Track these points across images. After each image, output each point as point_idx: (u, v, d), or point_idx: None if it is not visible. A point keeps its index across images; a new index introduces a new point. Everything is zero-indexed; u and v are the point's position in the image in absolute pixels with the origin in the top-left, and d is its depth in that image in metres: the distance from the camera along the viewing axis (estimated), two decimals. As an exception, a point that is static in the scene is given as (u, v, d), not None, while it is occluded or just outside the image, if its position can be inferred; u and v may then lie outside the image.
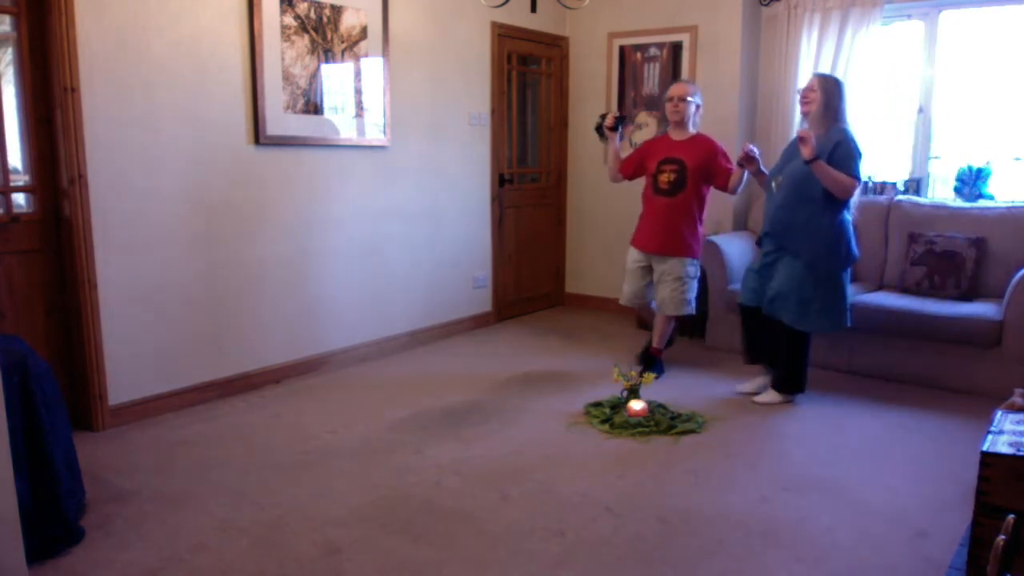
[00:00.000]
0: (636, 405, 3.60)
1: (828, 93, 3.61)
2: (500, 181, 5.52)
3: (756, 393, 3.94)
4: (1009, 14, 4.67)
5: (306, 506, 2.74)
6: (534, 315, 5.90)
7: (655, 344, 4.33)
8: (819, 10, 4.94)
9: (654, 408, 3.67)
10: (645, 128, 5.56)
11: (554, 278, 6.18)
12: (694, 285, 4.21)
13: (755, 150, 3.81)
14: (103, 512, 2.67)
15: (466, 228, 5.30)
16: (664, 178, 4.08)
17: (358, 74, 4.41)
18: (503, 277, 5.66)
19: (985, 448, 2.20)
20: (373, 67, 4.49)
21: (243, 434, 3.43)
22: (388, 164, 4.67)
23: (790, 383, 3.84)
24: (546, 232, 6.04)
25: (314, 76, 4.16)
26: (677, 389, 4.04)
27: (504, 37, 5.40)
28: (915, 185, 4.92)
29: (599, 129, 4.34)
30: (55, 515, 2.40)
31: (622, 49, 5.68)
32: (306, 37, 4.10)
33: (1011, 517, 1.69)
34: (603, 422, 3.55)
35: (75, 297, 3.36)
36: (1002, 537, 1.62)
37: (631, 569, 2.36)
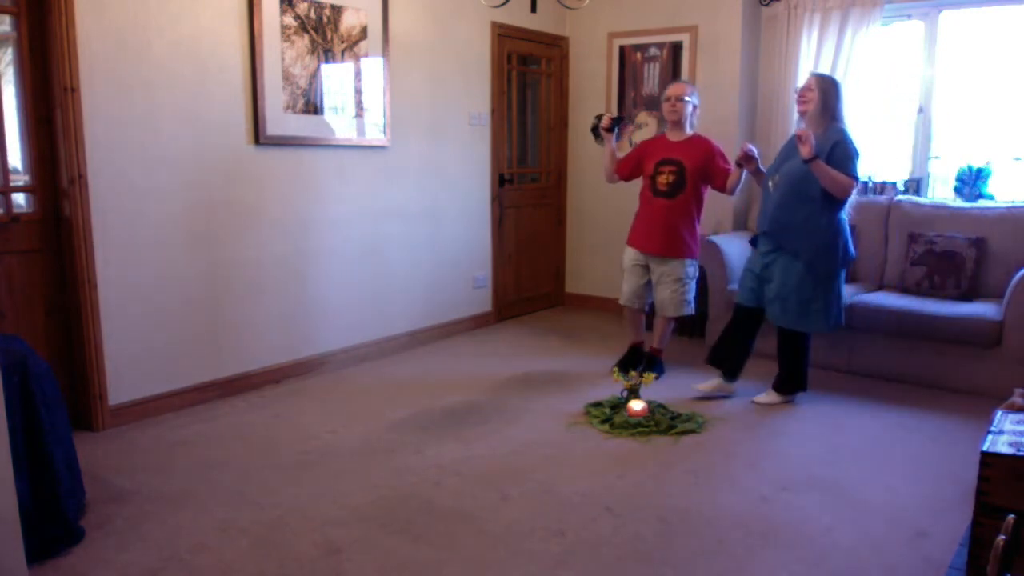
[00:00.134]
0: (636, 405, 3.60)
1: (826, 93, 3.61)
2: (500, 181, 5.52)
3: (721, 396, 3.91)
4: (1009, 14, 4.67)
5: (306, 506, 2.74)
6: (534, 315, 5.90)
7: (655, 345, 4.33)
8: (819, 10, 4.94)
9: (654, 408, 3.67)
10: (645, 128, 5.56)
11: (554, 278, 6.18)
12: (693, 285, 4.21)
13: (754, 150, 3.81)
14: (103, 512, 2.67)
15: (466, 228, 5.30)
16: (663, 179, 4.08)
17: (358, 74, 4.41)
18: (503, 277, 5.66)
19: (985, 448, 2.20)
20: (373, 67, 4.49)
21: (243, 434, 3.43)
22: (388, 164, 4.67)
23: (791, 383, 3.84)
24: (546, 232, 6.04)
25: (314, 76, 4.16)
26: (677, 389, 4.04)
27: (504, 37, 5.40)
28: (915, 185, 4.92)
29: (595, 130, 4.34)
30: (55, 515, 2.40)
31: (622, 49, 5.68)
32: (306, 37, 4.10)
33: (1011, 517, 1.69)
34: (603, 422, 3.55)
35: (75, 297, 3.36)
36: (1002, 537, 1.62)
37: (631, 569, 2.36)
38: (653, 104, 5.53)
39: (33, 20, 3.20)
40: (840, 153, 3.53)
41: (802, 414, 3.74)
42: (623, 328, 4.51)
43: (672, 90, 4.12)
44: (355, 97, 4.41)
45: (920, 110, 4.92)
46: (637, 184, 4.42)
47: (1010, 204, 4.43)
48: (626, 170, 4.29)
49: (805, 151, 3.45)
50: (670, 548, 2.48)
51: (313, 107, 4.18)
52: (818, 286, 3.66)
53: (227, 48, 3.77)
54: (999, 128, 4.77)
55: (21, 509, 2.12)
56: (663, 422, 3.53)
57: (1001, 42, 4.71)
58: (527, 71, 5.87)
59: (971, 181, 4.71)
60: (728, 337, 3.95)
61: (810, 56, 5.01)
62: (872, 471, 3.08)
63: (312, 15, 4.12)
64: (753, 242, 3.94)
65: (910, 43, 4.94)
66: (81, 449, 2.88)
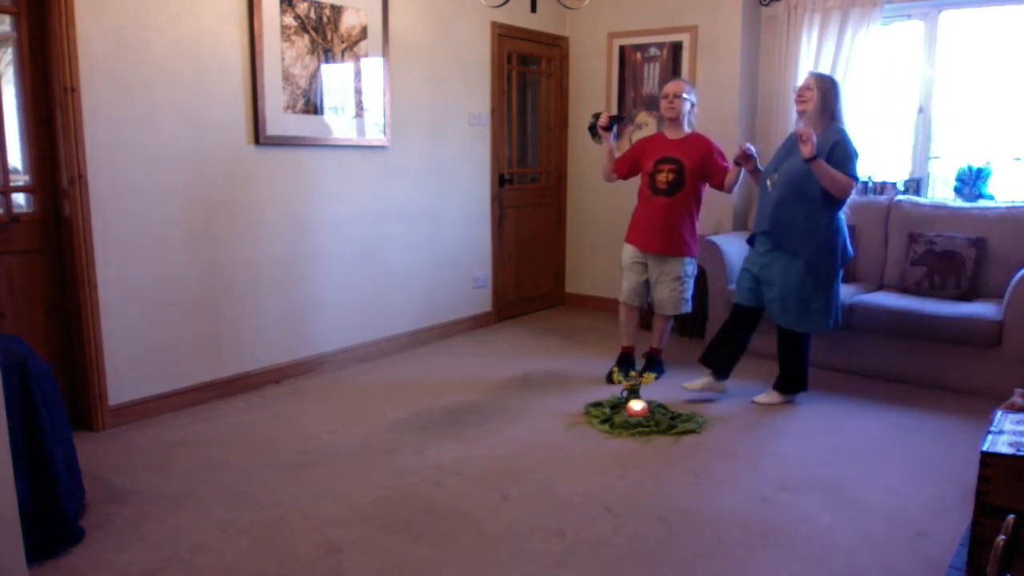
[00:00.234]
0: (636, 405, 3.60)
1: (825, 92, 3.60)
2: (500, 181, 5.52)
3: (711, 396, 3.90)
4: (1009, 14, 4.67)
5: (306, 506, 2.74)
6: (534, 315, 5.90)
7: (654, 344, 4.33)
8: (819, 10, 4.94)
9: (654, 408, 3.67)
10: (645, 128, 5.55)
11: (554, 278, 6.18)
12: (691, 284, 4.21)
13: (752, 148, 3.81)
14: (103, 512, 2.67)
15: (466, 228, 5.30)
16: (662, 177, 4.07)
17: (358, 74, 4.41)
18: (503, 277, 5.66)
19: (985, 448, 2.20)
20: (373, 67, 4.49)
21: (243, 434, 3.43)
22: (388, 164, 4.67)
23: (791, 383, 3.84)
24: (546, 232, 6.04)
25: (314, 76, 4.16)
26: (677, 389, 4.03)
27: (504, 37, 5.40)
28: (915, 185, 4.92)
29: (592, 129, 4.32)
30: (55, 515, 2.40)
31: (622, 49, 5.68)
32: (306, 37, 4.10)
33: (1011, 517, 1.69)
34: (603, 422, 3.55)
35: (75, 297, 3.36)
36: (1002, 537, 1.62)
37: (631, 569, 2.36)
38: (653, 104, 5.53)
39: (33, 20, 3.20)
40: (840, 153, 3.52)
41: (802, 414, 3.74)
42: (617, 328, 4.50)
43: (670, 87, 4.12)
44: (355, 97, 4.41)
45: (920, 110, 4.92)
46: (637, 183, 4.42)
47: (1010, 204, 4.43)
48: (624, 168, 4.29)
49: (807, 150, 3.45)
50: (670, 548, 2.48)
51: (313, 107, 4.18)
52: (818, 286, 3.66)
53: (227, 48, 3.77)
54: (999, 128, 4.77)
55: (21, 509, 2.12)
56: (663, 422, 3.53)
57: (1001, 42, 4.71)
58: (527, 71, 5.87)
59: (971, 181, 4.71)
60: (724, 336, 3.94)
61: (810, 56, 5.01)
62: (872, 471, 3.08)
63: (312, 15, 4.12)
64: (750, 241, 3.93)
65: (910, 43, 4.94)
66: (81, 449, 2.89)
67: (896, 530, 2.60)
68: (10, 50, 3.22)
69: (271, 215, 4.06)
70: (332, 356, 4.45)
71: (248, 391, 3.99)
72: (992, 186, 4.69)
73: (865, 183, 4.98)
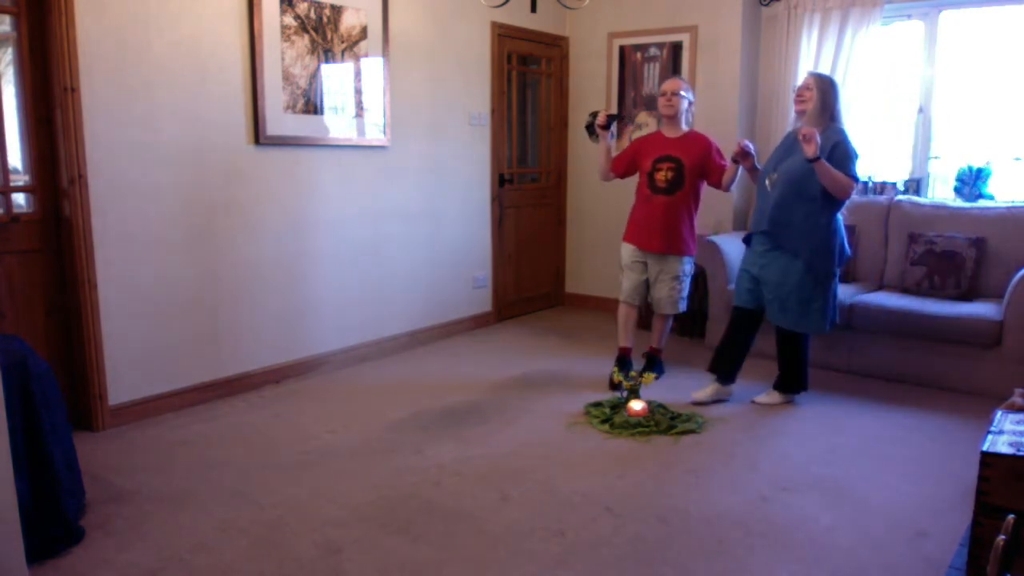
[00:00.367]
0: (636, 405, 3.60)
1: (824, 92, 3.60)
2: (500, 181, 5.52)
3: (715, 401, 3.89)
4: (1009, 14, 4.67)
5: (306, 506, 2.74)
6: (534, 315, 5.90)
7: (654, 344, 4.32)
8: (819, 10, 4.94)
9: (654, 408, 3.67)
10: (645, 128, 5.55)
11: (554, 278, 6.18)
12: (688, 283, 4.21)
13: (750, 145, 3.80)
14: (103, 512, 2.67)
15: (466, 228, 5.30)
16: (661, 176, 4.07)
17: (358, 74, 4.41)
18: (503, 277, 5.66)
19: (985, 448, 2.20)
20: (373, 67, 4.49)
21: (243, 434, 3.43)
22: (388, 164, 4.67)
23: (791, 383, 3.84)
24: (546, 232, 6.04)
25: (314, 76, 4.16)
26: (677, 389, 4.03)
27: (504, 37, 5.40)
28: (915, 185, 4.92)
29: (590, 128, 4.29)
30: (55, 515, 2.40)
31: (622, 49, 5.68)
32: (306, 37, 4.10)
33: (1011, 517, 1.69)
34: (603, 422, 3.55)
35: (75, 297, 3.36)
36: (1002, 537, 1.62)
37: (631, 569, 2.36)
38: (653, 104, 5.52)
39: (33, 20, 3.20)
40: (840, 154, 3.52)
41: (802, 414, 3.74)
42: (616, 328, 4.49)
43: (668, 85, 4.11)
44: (355, 97, 4.41)
45: (920, 110, 4.92)
46: (636, 183, 4.41)
47: (1010, 204, 4.43)
48: (622, 167, 4.27)
49: (811, 150, 3.42)
50: (670, 548, 2.48)
51: (313, 107, 4.18)
52: (817, 286, 3.66)
53: (227, 48, 3.77)
54: (999, 128, 4.77)
55: (21, 509, 2.12)
56: (663, 422, 3.53)
57: (1001, 42, 4.71)
58: (527, 71, 5.87)
59: (971, 181, 4.71)
60: (728, 342, 3.91)
61: (810, 56, 5.01)
62: (872, 471, 3.08)
63: (312, 15, 4.12)
64: (747, 240, 3.92)
65: (910, 43, 4.94)
66: (81, 449, 2.89)
67: (896, 530, 2.60)
68: (10, 50, 3.22)
69: (271, 215, 4.06)
70: (332, 356, 4.45)
71: (248, 391, 3.99)
72: (992, 186, 4.69)
73: (865, 183, 4.98)
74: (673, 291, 4.15)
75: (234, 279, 3.92)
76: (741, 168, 3.94)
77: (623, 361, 4.22)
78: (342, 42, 4.29)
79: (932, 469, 3.10)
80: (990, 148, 4.78)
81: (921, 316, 4.04)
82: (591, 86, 5.88)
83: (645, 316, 4.50)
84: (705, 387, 3.93)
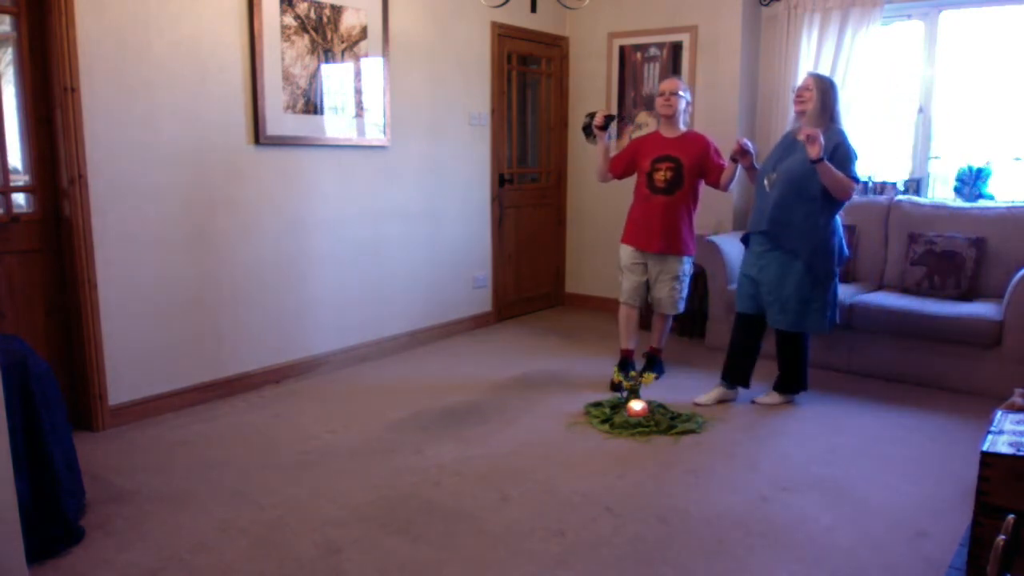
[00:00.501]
0: (636, 405, 3.60)
1: (824, 93, 3.60)
2: (500, 181, 5.52)
3: (717, 403, 3.88)
4: (1009, 14, 4.67)
5: (306, 506, 2.74)
6: (534, 315, 5.90)
7: (654, 344, 4.32)
8: (819, 10, 4.94)
9: (654, 408, 3.67)
10: (645, 128, 5.55)
11: (554, 278, 6.18)
12: (687, 283, 4.22)
13: (749, 144, 3.80)
14: (103, 512, 2.67)
15: (466, 228, 5.30)
16: (660, 176, 4.06)
17: (358, 74, 4.41)
18: (503, 277, 5.66)
19: (985, 448, 2.20)
20: (373, 67, 4.49)
21: (243, 434, 3.43)
22: (388, 164, 4.67)
23: (791, 383, 3.84)
24: (546, 232, 6.04)
25: (314, 76, 4.16)
26: (677, 389, 4.04)
27: (504, 37, 5.40)
28: (915, 185, 4.92)
29: (587, 129, 4.28)
30: (55, 515, 2.40)
31: (622, 49, 5.68)
32: (306, 37, 4.10)
33: (1011, 517, 1.69)
34: (603, 422, 3.55)
35: (75, 297, 3.36)
36: (1002, 537, 1.62)
37: (631, 569, 2.36)
38: (653, 104, 5.52)
39: (33, 20, 3.20)
40: (841, 155, 3.52)
41: (802, 414, 3.74)
42: (616, 329, 4.49)
43: (666, 85, 4.11)
44: (355, 97, 4.41)
45: (920, 110, 4.92)
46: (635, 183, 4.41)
47: (1010, 204, 4.43)
48: (619, 168, 4.26)
49: (815, 151, 3.41)
50: (670, 548, 2.48)
51: (313, 107, 4.18)
52: (817, 286, 3.65)
53: (227, 48, 3.77)
54: (999, 128, 4.77)
55: (21, 509, 2.12)
56: (663, 422, 3.53)
57: (1001, 42, 4.71)
58: (527, 71, 5.87)
59: (971, 181, 4.71)
60: (736, 350, 3.88)
61: (810, 56, 5.01)
62: (872, 471, 3.08)
63: (312, 15, 4.12)
64: (745, 240, 3.91)
65: (910, 43, 4.94)
66: (81, 449, 2.89)
67: (896, 530, 2.60)
68: (10, 50, 3.22)
69: (271, 215, 4.06)
70: (332, 356, 4.45)
71: (248, 391, 3.99)
72: (992, 186, 4.69)
73: (865, 183, 4.98)
74: (673, 291, 4.15)
75: (234, 279, 3.92)
76: (740, 168, 3.93)
77: (625, 363, 4.21)
78: (342, 42, 4.29)
79: (932, 469, 3.10)
80: (990, 148, 4.78)
81: (921, 316, 4.04)
82: (591, 86, 5.88)
83: (645, 316, 4.49)
84: (708, 392, 3.92)
